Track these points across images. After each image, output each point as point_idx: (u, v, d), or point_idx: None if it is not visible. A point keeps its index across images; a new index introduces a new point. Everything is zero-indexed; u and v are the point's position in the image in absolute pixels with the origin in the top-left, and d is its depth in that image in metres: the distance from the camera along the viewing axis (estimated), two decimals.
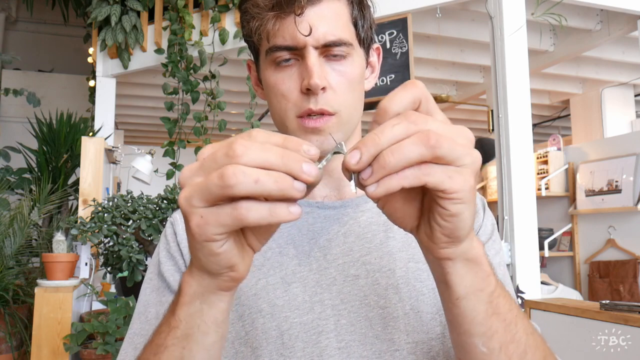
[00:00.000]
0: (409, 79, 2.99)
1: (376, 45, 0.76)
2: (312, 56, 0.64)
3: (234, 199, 0.39)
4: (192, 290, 0.47)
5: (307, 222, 0.72)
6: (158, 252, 0.75)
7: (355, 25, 0.68)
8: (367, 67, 0.74)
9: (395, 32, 3.05)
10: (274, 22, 0.64)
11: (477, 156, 0.42)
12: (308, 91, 0.65)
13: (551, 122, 6.37)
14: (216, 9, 3.64)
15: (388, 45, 3.06)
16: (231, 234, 0.42)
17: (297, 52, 0.65)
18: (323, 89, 0.65)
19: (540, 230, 4.12)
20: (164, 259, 0.72)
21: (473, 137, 0.44)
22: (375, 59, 0.76)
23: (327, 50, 0.65)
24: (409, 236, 0.68)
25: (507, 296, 0.51)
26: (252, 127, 3.89)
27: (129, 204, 2.44)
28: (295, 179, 0.39)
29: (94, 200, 2.60)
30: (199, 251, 0.43)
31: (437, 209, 0.44)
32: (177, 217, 0.76)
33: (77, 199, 3.37)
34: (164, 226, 1.39)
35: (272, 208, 0.39)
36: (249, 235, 0.45)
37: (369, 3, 0.72)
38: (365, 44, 0.71)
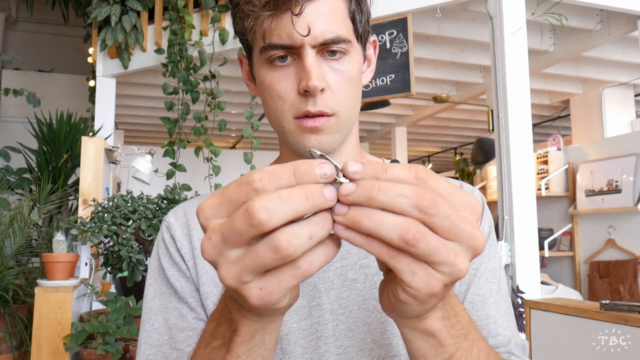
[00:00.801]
0: (409, 79, 2.99)
1: (373, 38, 0.73)
2: (310, 56, 0.61)
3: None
4: (252, 329, 0.46)
5: None
6: (158, 256, 0.73)
7: (353, 20, 0.66)
8: (364, 61, 0.71)
9: (395, 32, 3.05)
10: (270, 21, 0.61)
11: (463, 268, 0.38)
12: (306, 92, 0.62)
13: (551, 122, 6.37)
14: (216, 9, 3.64)
15: (388, 45, 3.06)
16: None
17: (294, 50, 0.62)
18: (322, 90, 0.63)
19: (540, 230, 4.12)
20: (167, 264, 0.71)
21: (479, 244, 0.39)
22: (372, 52, 0.74)
23: (325, 48, 0.63)
24: None
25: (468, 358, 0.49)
26: (252, 127, 3.88)
27: (129, 204, 2.44)
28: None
29: (94, 200, 2.60)
30: (263, 312, 0.42)
31: (391, 282, 0.42)
32: (172, 221, 0.73)
33: (77, 199, 3.37)
34: None
35: (326, 252, 0.38)
36: None
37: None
38: (363, 38, 0.69)
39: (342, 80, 0.64)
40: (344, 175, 0.38)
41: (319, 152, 0.40)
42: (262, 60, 0.65)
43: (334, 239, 0.39)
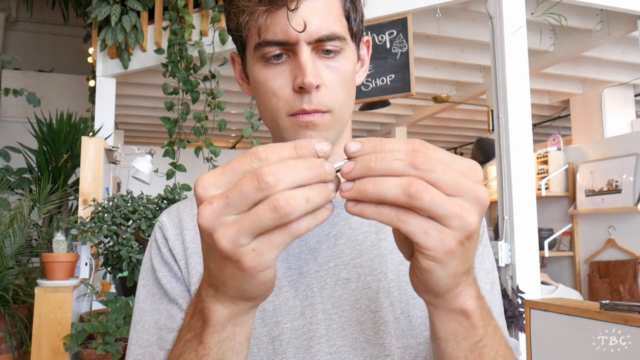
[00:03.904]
0: (409, 79, 2.99)
1: (366, 38, 0.73)
2: (305, 53, 0.61)
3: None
4: (222, 318, 0.47)
5: None
6: (150, 257, 0.73)
7: (348, 18, 0.65)
8: (357, 61, 0.70)
9: (395, 32, 3.05)
10: (266, 16, 0.60)
11: (472, 220, 0.40)
12: (301, 89, 0.62)
13: (551, 122, 6.37)
14: (216, 9, 3.64)
15: (388, 45, 3.06)
16: None
17: (289, 47, 0.61)
18: (317, 87, 0.62)
19: (540, 230, 4.12)
20: (158, 265, 0.71)
21: (483, 195, 0.41)
22: (365, 52, 0.73)
23: (320, 45, 0.62)
24: None
25: (494, 345, 0.50)
26: (252, 128, 3.88)
27: (129, 204, 2.44)
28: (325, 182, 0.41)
29: (94, 200, 2.60)
30: (248, 283, 0.43)
31: (413, 257, 0.43)
32: (164, 220, 0.73)
33: (77, 199, 3.37)
34: None
35: (316, 216, 0.40)
36: None
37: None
38: (357, 37, 0.68)
39: (337, 78, 0.64)
40: (348, 159, 0.41)
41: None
42: (256, 58, 0.64)
43: (327, 210, 0.41)
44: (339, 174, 0.42)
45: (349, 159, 0.41)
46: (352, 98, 0.69)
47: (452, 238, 0.40)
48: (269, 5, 0.60)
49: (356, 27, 0.67)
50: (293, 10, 0.59)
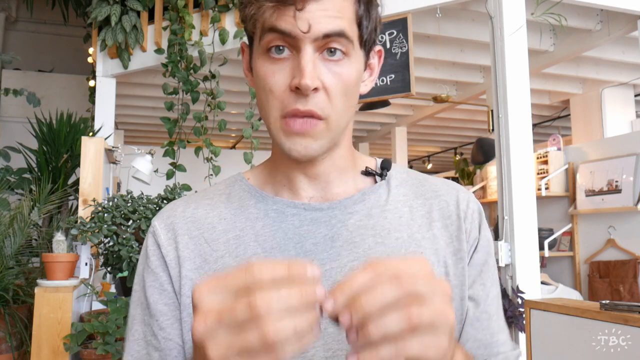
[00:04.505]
0: (409, 79, 2.99)
1: (378, 47, 0.70)
2: (307, 52, 0.59)
3: None
4: None
5: (293, 224, 0.68)
6: (142, 262, 0.72)
7: (360, 25, 0.63)
8: (365, 69, 0.68)
9: (395, 32, 3.05)
10: (272, 12, 0.59)
11: (443, 346, 0.44)
12: (297, 90, 0.59)
13: (551, 122, 6.37)
14: (216, 9, 3.64)
15: (388, 45, 3.06)
16: None
17: (292, 41, 0.59)
18: (315, 89, 0.60)
19: (540, 230, 4.12)
20: (146, 273, 0.70)
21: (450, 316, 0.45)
22: (376, 61, 0.71)
23: (325, 43, 0.60)
24: (399, 242, 0.68)
25: None
26: (252, 128, 3.87)
27: (129, 204, 2.44)
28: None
29: (94, 200, 2.60)
30: None
31: None
32: (156, 225, 0.72)
33: (77, 199, 3.37)
34: None
35: (302, 339, 0.43)
36: None
37: (378, 1, 0.66)
38: (367, 46, 0.66)
39: (338, 84, 0.62)
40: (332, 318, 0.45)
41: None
42: (260, 50, 0.63)
43: (312, 336, 0.43)
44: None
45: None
46: (352, 107, 0.66)
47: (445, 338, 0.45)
48: (277, 2, 0.59)
49: (367, 35, 0.64)
50: (300, 9, 0.58)
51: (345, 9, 0.61)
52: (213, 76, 3.65)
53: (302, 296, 0.42)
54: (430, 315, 0.43)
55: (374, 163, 0.76)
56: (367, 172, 0.74)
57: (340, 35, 0.60)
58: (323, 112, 0.61)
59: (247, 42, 0.69)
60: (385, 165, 0.75)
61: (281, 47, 0.61)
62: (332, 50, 0.61)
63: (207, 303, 0.44)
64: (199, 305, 0.44)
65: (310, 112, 0.60)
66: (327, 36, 0.59)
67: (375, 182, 0.74)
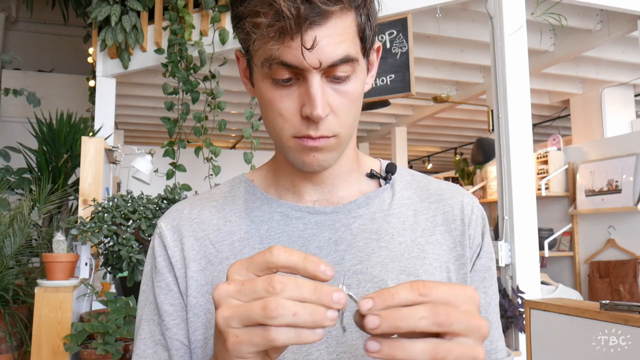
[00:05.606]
0: (409, 79, 2.99)
1: (377, 44, 0.69)
2: (315, 82, 0.58)
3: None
4: None
5: (298, 228, 0.69)
6: (149, 262, 0.72)
7: (362, 37, 0.62)
8: (367, 72, 0.68)
9: (395, 32, 3.05)
10: (277, 48, 0.57)
11: (480, 357, 0.46)
12: (308, 118, 0.60)
13: (551, 122, 6.37)
14: (216, 9, 3.64)
15: (388, 45, 3.06)
16: (259, 351, 0.47)
17: (299, 71, 0.59)
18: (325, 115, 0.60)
19: (540, 230, 4.12)
20: (153, 274, 0.71)
21: (485, 327, 0.46)
22: (375, 57, 0.70)
23: (331, 71, 0.59)
24: (402, 246, 0.68)
25: None
26: (252, 128, 3.87)
27: (129, 204, 2.44)
28: (329, 307, 0.44)
29: (94, 200, 2.60)
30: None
31: None
32: (163, 226, 0.72)
33: (77, 199, 3.37)
34: None
35: (299, 332, 0.44)
36: (270, 349, 0.48)
37: (376, 4, 0.65)
38: (369, 50, 0.66)
39: (346, 102, 0.62)
40: (361, 316, 0.45)
41: (347, 292, 0.46)
42: (263, 74, 0.61)
43: (312, 333, 0.44)
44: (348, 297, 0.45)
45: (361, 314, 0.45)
46: (358, 114, 0.67)
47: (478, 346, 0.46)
48: (282, 37, 0.56)
49: (369, 43, 0.64)
50: (310, 49, 0.56)
51: (348, 27, 0.59)
52: (213, 76, 3.65)
53: (315, 291, 0.44)
54: (457, 356, 0.44)
55: (379, 165, 0.77)
56: (372, 175, 0.74)
57: (346, 61, 0.59)
58: (333, 132, 0.62)
59: (241, 50, 0.67)
60: (390, 169, 0.75)
61: (288, 78, 0.60)
62: (338, 76, 0.61)
63: (236, 274, 0.47)
64: (228, 274, 0.48)
65: (322, 136, 0.62)
66: (334, 65, 0.59)
67: (380, 184, 0.74)
